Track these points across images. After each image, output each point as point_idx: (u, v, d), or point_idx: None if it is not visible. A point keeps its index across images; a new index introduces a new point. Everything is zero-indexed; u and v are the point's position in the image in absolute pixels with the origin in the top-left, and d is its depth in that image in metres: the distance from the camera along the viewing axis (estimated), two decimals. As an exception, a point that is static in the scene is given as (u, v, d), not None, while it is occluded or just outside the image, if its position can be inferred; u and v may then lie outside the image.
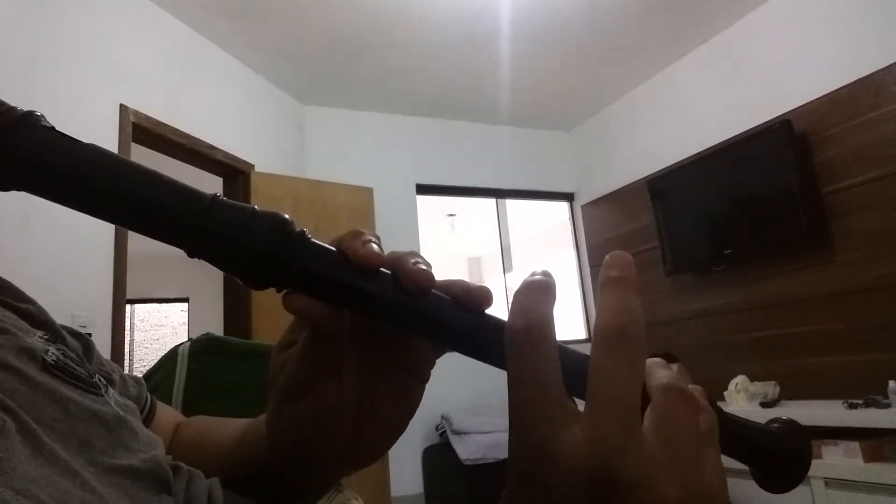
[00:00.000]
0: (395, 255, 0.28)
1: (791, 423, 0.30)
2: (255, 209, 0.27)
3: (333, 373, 0.32)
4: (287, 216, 0.27)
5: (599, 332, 0.22)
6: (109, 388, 0.32)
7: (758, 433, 0.30)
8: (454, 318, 0.27)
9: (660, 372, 0.24)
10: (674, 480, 0.20)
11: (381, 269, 0.27)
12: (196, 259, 0.27)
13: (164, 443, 0.37)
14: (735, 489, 2.59)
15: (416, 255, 0.28)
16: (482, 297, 0.27)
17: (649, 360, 0.25)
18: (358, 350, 0.33)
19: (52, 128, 0.27)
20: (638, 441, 0.21)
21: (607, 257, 0.25)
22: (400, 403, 0.35)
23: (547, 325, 0.23)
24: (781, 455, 0.29)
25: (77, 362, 0.32)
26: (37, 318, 0.34)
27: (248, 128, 3.55)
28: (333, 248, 0.28)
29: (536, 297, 0.24)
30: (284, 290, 0.28)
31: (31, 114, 0.26)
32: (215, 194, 0.27)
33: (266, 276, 0.27)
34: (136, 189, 0.26)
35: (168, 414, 0.49)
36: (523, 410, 0.22)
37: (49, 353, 0.30)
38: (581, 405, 0.23)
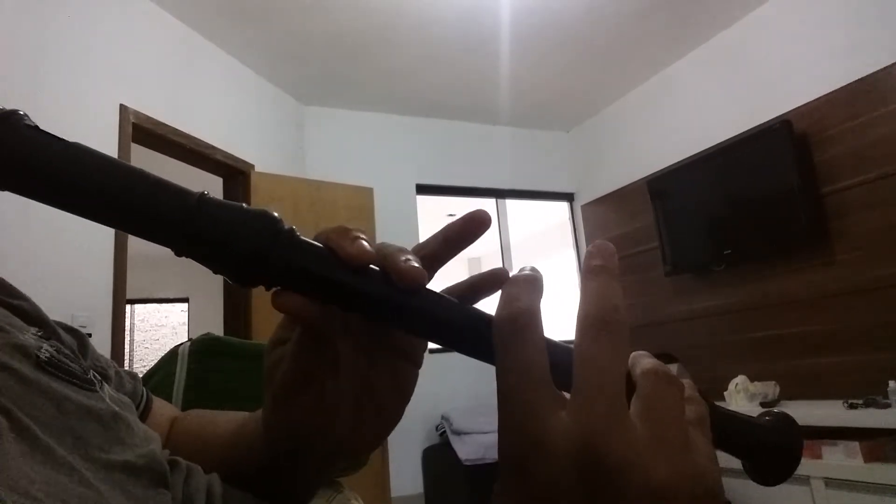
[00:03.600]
0: (384, 251, 0.28)
1: (782, 417, 0.31)
2: (242, 207, 0.27)
3: (329, 368, 0.32)
4: (276, 214, 0.27)
5: (582, 319, 0.23)
6: (104, 383, 0.32)
7: (749, 426, 0.30)
8: (446, 314, 0.27)
9: (644, 360, 0.24)
10: (662, 461, 0.21)
11: (371, 265, 0.27)
12: (190, 258, 0.27)
13: (161, 437, 0.37)
14: (736, 489, 2.59)
15: (406, 251, 0.28)
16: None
17: (635, 353, 0.25)
18: (352, 340, 0.33)
19: (36, 126, 0.26)
20: (624, 424, 0.21)
21: (590, 247, 0.25)
22: (396, 390, 0.35)
23: (533, 314, 0.23)
24: (772, 448, 0.30)
25: (71, 358, 0.31)
26: (30, 314, 0.34)
27: (248, 128, 3.55)
28: (322, 246, 0.27)
29: (523, 289, 0.24)
30: (274, 289, 0.27)
31: (13, 113, 0.26)
32: (203, 192, 0.27)
33: (254, 274, 0.26)
34: (121, 188, 0.26)
35: (164, 408, 0.49)
36: (511, 398, 0.22)
37: (42, 350, 0.29)
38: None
